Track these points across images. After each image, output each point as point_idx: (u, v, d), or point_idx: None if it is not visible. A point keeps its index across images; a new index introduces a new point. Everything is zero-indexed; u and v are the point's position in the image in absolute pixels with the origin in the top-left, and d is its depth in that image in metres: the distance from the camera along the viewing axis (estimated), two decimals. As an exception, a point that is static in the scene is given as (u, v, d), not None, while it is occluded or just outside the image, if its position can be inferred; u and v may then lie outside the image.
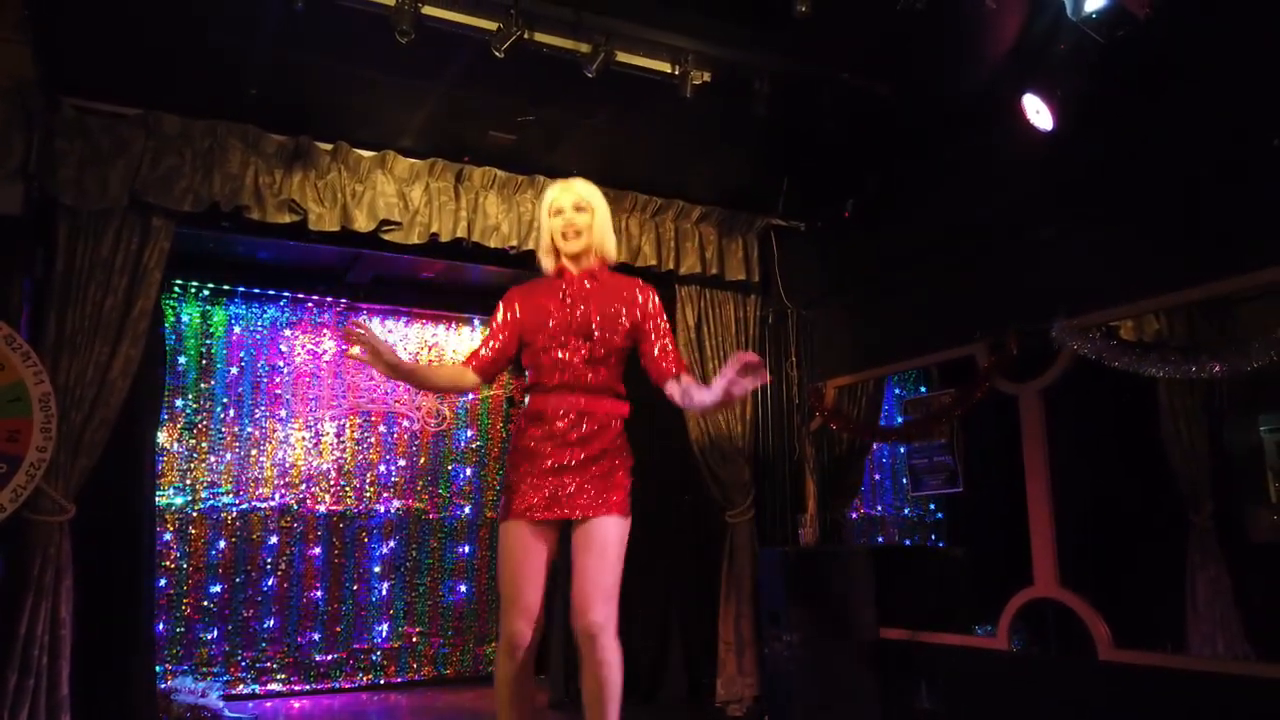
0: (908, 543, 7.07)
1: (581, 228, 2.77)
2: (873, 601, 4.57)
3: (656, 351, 2.78)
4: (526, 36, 3.45)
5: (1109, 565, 4.36)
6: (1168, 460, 4.51)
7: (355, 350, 2.56)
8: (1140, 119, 3.65)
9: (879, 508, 7.11)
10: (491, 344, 2.82)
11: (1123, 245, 3.74)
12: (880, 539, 6.97)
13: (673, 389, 2.75)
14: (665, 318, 2.85)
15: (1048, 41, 3.42)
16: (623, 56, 3.68)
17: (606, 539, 2.65)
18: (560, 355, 2.70)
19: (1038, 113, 3.75)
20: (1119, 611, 3.91)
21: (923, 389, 6.76)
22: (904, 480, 7.08)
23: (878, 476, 7.16)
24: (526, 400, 2.83)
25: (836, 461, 5.23)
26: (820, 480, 5.12)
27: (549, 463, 2.65)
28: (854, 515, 6.58)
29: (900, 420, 6.54)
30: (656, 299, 2.85)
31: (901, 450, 6.98)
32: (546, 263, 2.84)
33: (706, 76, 3.81)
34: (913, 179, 4.68)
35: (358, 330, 2.54)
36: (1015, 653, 4.00)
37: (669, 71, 3.78)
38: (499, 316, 2.84)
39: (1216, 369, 3.38)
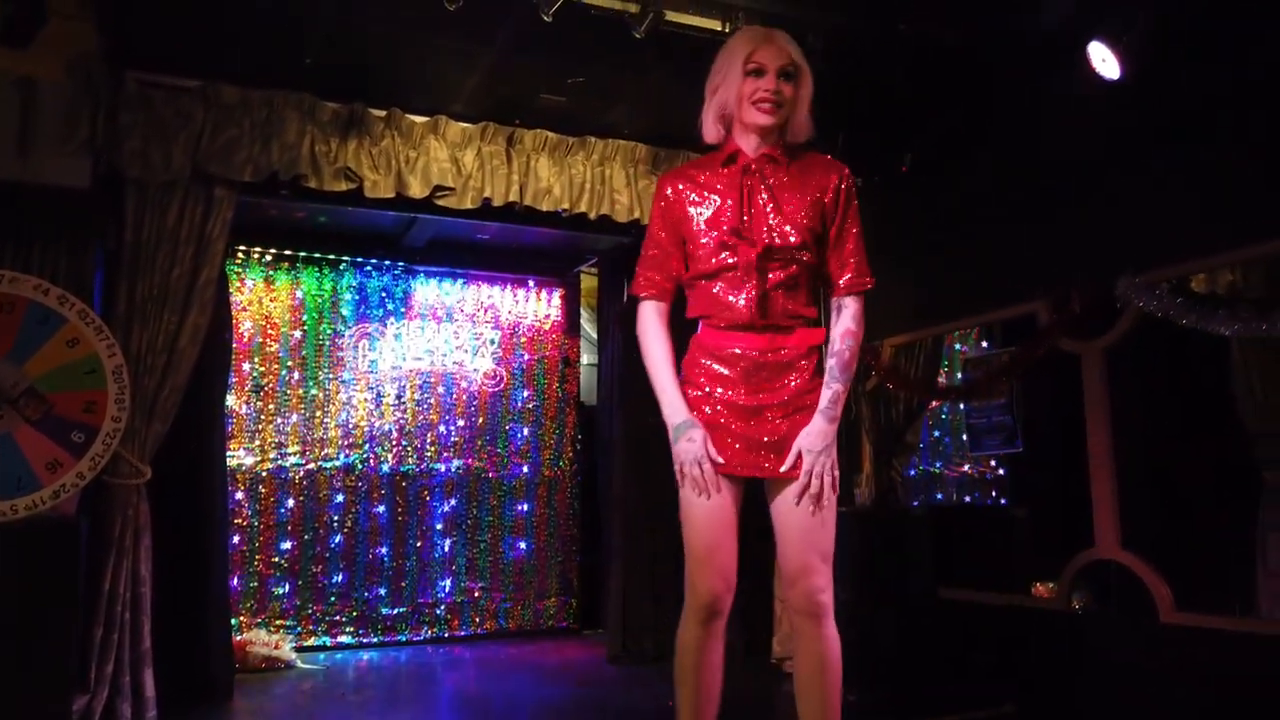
0: (968, 499, 7.00)
1: (785, 100, 2.21)
2: (931, 561, 4.56)
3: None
4: (574, -1, 3.42)
5: (1174, 526, 4.27)
6: (1239, 416, 4.38)
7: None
8: (1210, 66, 3.50)
9: (938, 464, 7.04)
10: (658, 266, 2.33)
11: (1192, 198, 3.61)
12: (939, 496, 6.91)
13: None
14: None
15: (1114, -13, 3.28)
16: (672, 15, 3.63)
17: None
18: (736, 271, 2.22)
19: (1104, 61, 3.62)
20: (1184, 573, 3.84)
21: (984, 344, 6.65)
22: (964, 437, 6.99)
23: (938, 433, 7.07)
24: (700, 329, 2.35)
25: (893, 421, 5.18)
26: (876, 440, 5.09)
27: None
28: (912, 472, 6.53)
29: (960, 378, 6.44)
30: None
31: (962, 406, 6.88)
32: (713, 131, 2.31)
33: (758, 33, 3.73)
34: (973, 132, 4.56)
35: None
36: (1075, 614, 3.96)
37: (720, 30, 3.72)
38: (658, 222, 2.34)
39: (1290, 326, 3.27)
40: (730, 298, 2.23)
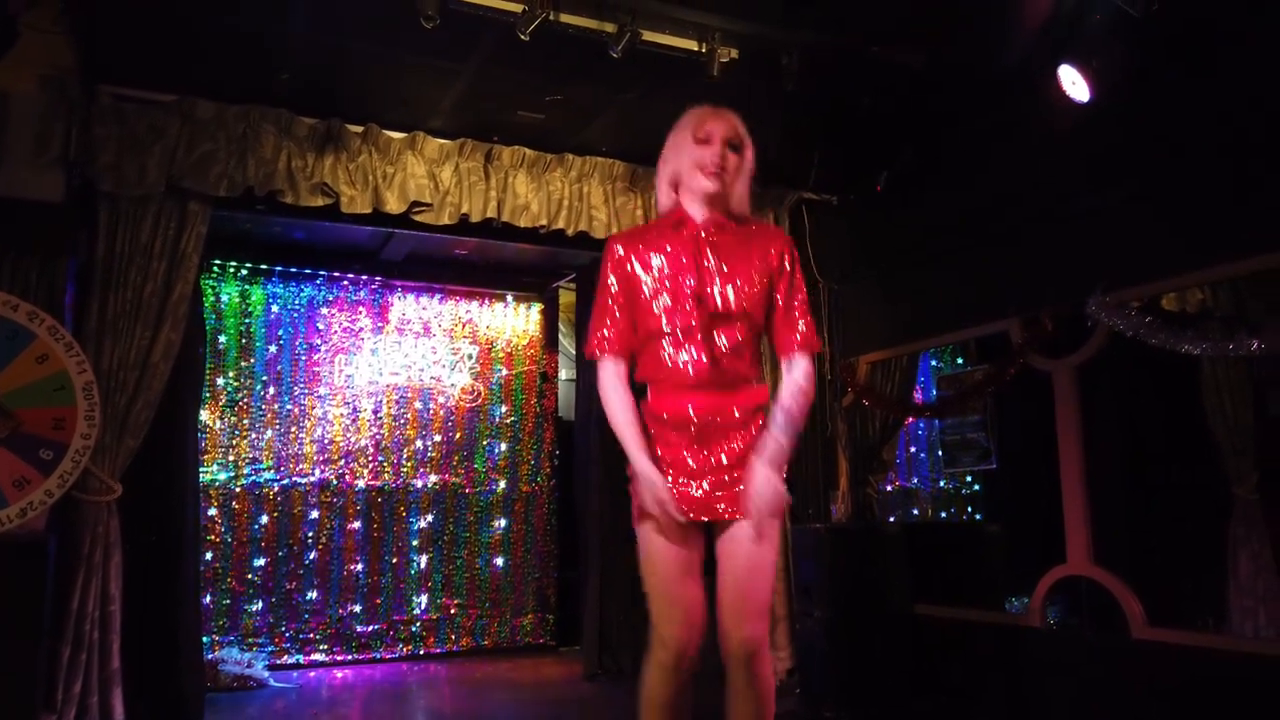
0: (944, 515, 7.05)
1: (729, 168, 2.29)
2: (906, 577, 4.57)
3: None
4: (552, 18, 3.44)
5: (1146, 542, 4.32)
6: (1210, 433, 4.44)
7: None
8: (1180, 88, 3.56)
9: (915, 480, 7.08)
10: (616, 326, 2.33)
11: (1161, 219, 3.67)
12: (915, 512, 6.95)
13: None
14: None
15: (1082, 13, 3.34)
16: (649, 36, 3.66)
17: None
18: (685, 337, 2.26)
19: (1074, 84, 3.67)
20: (1156, 589, 3.89)
21: (959, 360, 6.71)
22: (939, 454, 7.04)
23: (914, 449, 7.12)
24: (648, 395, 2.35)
25: (869, 437, 5.21)
26: (853, 456, 5.11)
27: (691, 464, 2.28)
28: (888, 488, 6.57)
29: (935, 395, 6.49)
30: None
31: (937, 424, 6.94)
32: (666, 199, 2.38)
33: (734, 53, 3.77)
34: (946, 152, 4.62)
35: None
36: (1047, 630, 3.99)
37: (696, 50, 3.75)
38: (611, 282, 2.33)
39: (1256, 346, 3.32)
40: (681, 359, 2.24)
